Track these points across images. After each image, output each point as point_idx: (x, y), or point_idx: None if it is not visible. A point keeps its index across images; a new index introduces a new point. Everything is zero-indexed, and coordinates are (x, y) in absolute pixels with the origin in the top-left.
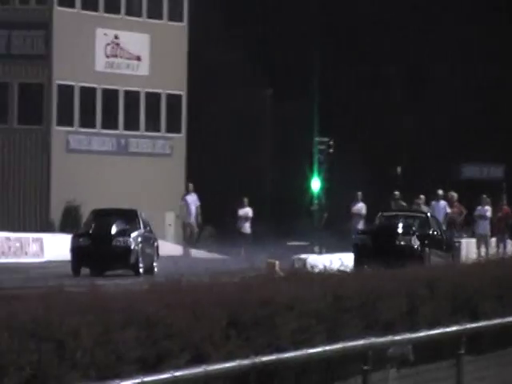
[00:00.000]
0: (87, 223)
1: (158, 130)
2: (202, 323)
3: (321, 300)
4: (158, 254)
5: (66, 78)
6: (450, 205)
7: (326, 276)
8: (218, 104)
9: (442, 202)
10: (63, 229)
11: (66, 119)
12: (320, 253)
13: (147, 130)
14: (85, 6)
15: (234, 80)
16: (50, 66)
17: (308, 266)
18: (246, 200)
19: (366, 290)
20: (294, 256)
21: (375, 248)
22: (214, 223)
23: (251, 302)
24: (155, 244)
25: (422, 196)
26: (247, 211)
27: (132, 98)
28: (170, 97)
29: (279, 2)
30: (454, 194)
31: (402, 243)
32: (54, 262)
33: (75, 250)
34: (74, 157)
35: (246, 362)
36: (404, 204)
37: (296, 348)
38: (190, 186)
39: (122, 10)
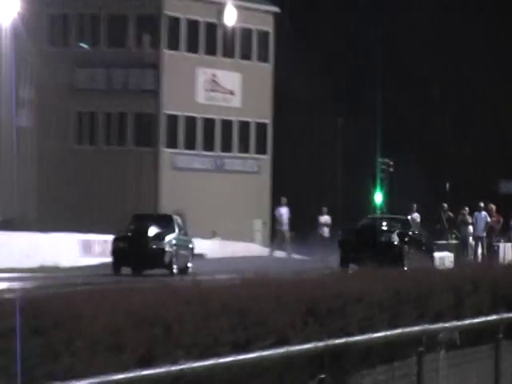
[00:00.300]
0: (127, 227)
1: (248, 152)
2: (284, 312)
3: (383, 293)
4: (192, 256)
5: (172, 109)
6: (490, 215)
7: (387, 273)
8: (298, 130)
9: (483, 213)
10: None
11: (172, 143)
12: None
13: (239, 151)
14: (188, 49)
15: (311, 110)
16: (159, 99)
17: None
18: (325, 209)
19: (421, 285)
20: None
21: (358, 244)
22: (295, 229)
23: (326, 294)
24: (190, 246)
25: (467, 207)
26: (327, 218)
27: (226, 125)
28: (258, 125)
29: (346, 44)
30: (493, 206)
31: (383, 239)
32: None
33: (115, 251)
34: (179, 174)
35: (320, 344)
36: (451, 214)
37: (362, 333)
38: (283, 199)
39: (219, 52)
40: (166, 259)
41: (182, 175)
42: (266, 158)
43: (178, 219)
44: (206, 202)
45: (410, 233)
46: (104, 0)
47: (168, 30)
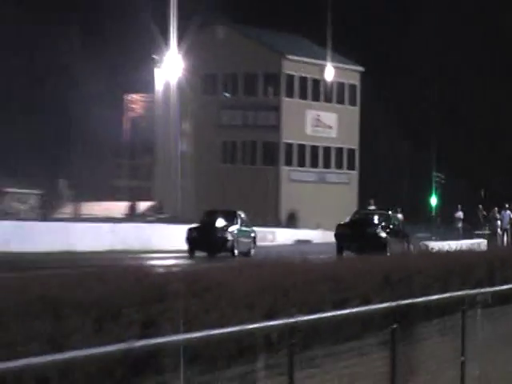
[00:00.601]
0: (201, 219)
1: (342, 169)
2: (367, 280)
3: (436, 267)
4: (254, 243)
5: (289, 139)
6: None
7: (439, 253)
8: (376, 153)
9: (508, 211)
10: (288, 226)
11: (289, 162)
12: (436, 240)
13: (335, 168)
14: (300, 97)
15: (387, 138)
16: (280, 132)
17: (429, 247)
18: (399, 209)
19: (463, 261)
20: (421, 242)
21: (351, 235)
22: None
23: (397, 268)
24: (252, 235)
25: (496, 208)
26: (400, 216)
27: (326, 150)
28: (348, 150)
29: (412, 90)
30: None
31: (370, 231)
32: (283, 245)
33: (189, 239)
34: (294, 185)
35: (393, 303)
36: (485, 213)
37: (422, 296)
38: (371, 201)
39: (321, 99)
40: (229, 245)
41: (296, 185)
42: (354, 173)
43: (241, 214)
44: (312, 204)
45: (391, 225)
46: (241, 63)
47: (286, 83)
